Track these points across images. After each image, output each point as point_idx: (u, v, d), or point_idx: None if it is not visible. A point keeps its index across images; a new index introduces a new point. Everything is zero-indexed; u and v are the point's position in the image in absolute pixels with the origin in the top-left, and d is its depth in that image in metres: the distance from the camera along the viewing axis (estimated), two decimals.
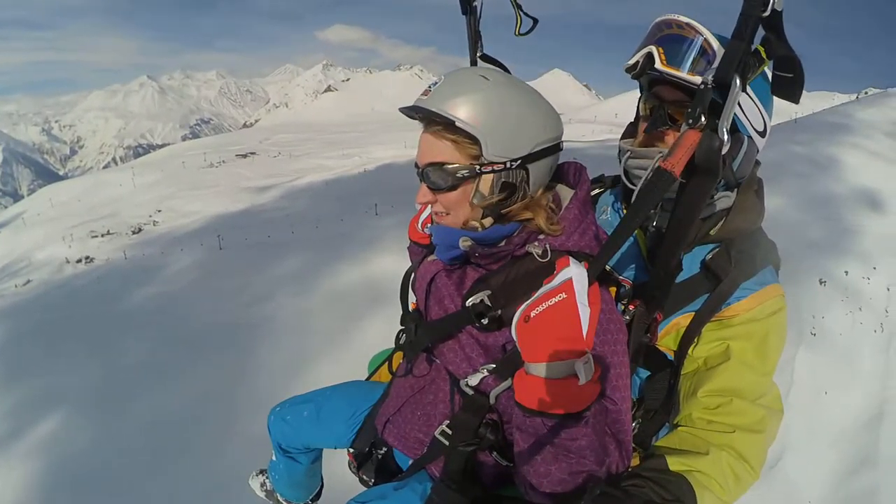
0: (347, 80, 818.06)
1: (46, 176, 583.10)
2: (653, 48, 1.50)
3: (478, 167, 1.28)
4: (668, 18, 1.52)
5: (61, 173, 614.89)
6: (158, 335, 8.50)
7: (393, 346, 1.93)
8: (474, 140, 1.25)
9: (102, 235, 36.46)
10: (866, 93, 21.01)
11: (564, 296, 1.15)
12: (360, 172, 38.79)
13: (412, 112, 1.31)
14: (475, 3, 1.81)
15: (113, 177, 69.22)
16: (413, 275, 1.71)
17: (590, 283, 1.21)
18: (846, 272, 6.13)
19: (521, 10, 1.76)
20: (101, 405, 6.31)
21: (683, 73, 1.45)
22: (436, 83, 1.30)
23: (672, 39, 1.49)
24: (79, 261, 29.66)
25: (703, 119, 1.15)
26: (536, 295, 1.19)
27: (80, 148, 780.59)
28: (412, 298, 1.72)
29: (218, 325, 8.77)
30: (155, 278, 14.55)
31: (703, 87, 1.15)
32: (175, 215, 38.27)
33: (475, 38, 1.83)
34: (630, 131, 1.77)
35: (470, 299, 1.33)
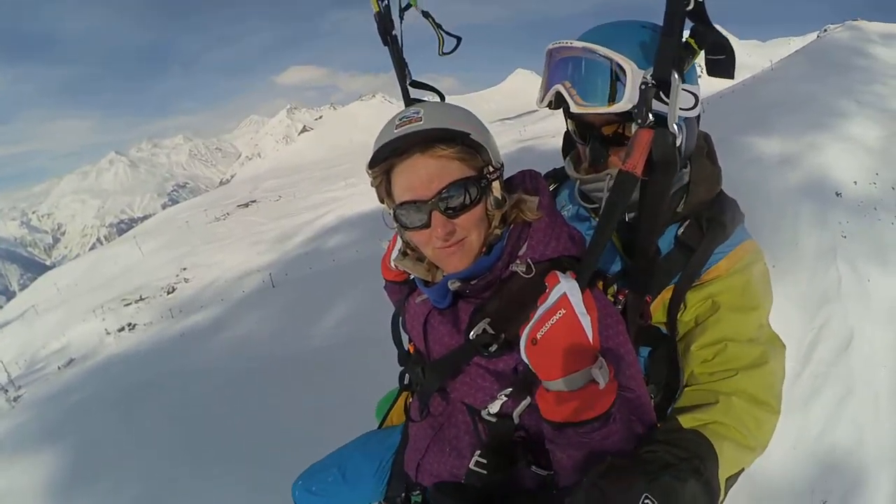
0: (320, 117, 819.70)
1: (34, 268, 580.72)
2: (560, 88, 1.54)
3: (487, 175, 1.34)
4: (561, 46, 1.55)
5: (48, 263, 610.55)
6: (240, 379, 8.13)
7: (393, 388, 2.06)
8: (478, 150, 1.32)
9: (136, 302, 35.49)
10: (825, 30, 21.35)
11: (564, 311, 1.16)
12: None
13: (409, 139, 1.27)
14: (394, 33, 1.88)
15: (113, 251, 68.44)
16: (402, 316, 1.75)
17: (582, 291, 1.21)
18: (855, 182, 6.74)
19: (443, 30, 1.85)
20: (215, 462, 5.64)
21: (601, 108, 1.49)
22: (408, 116, 1.31)
23: (578, 70, 1.52)
24: (120, 329, 28.30)
25: (651, 117, 1.22)
26: (536, 316, 1.20)
27: (63, 235, 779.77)
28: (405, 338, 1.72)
29: (302, 357, 8.38)
30: (220, 326, 14.11)
31: (644, 87, 1.22)
32: (203, 269, 37.78)
33: (402, 67, 1.90)
34: (570, 151, 1.84)
35: (472, 331, 1.35)
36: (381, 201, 1.44)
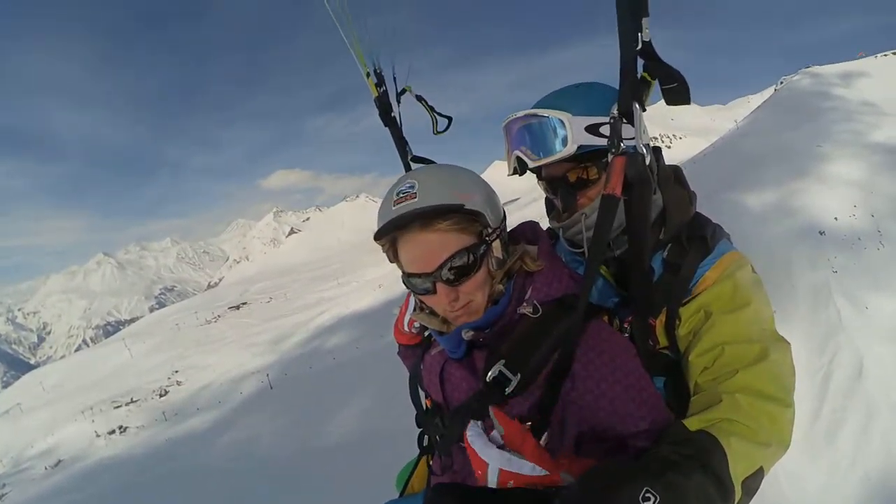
0: (307, 219, 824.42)
1: (18, 366, 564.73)
2: (518, 153, 1.70)
3: (487, 239, 1.40)
4: (511, 120, 1.73)
5: (32, 362, 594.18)
6: (242, 481, 8.23)
7: (413, 458, 2.05)
8: (476, 216, 1.37)
9: (127, 404, 34.70)
10: (781, 82, 22.14)
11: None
12: (383, 296, 37.37)
13: (406, 220, 1.32)
14: (393, 114, 2.00)
15: (101, 352, 67.12)
16: (418, 377, 1.76)
17: (584, 319, 1.33)
18: (836, 218, 7.32)
19: (436, 112, 1.98)
20: None
21: (554, 157, 1.62)
22: (404, 191, 1.35)
23: (527, 133, 1.68)
24: (111, 432, 28.20)
25: (621, 145, 1.33)
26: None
27: (48, 334, 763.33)
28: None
29: (309, 457, 8.53)
30: (218, 428, 14.39)
31: (612, 120, 1.34)
32: (196, 371, 37.08)
33: (402, 145, 2.01)
34: (552, 211, 1.94)
35: (489, 374, 1.36)
36: (391, 261, 1.51)
